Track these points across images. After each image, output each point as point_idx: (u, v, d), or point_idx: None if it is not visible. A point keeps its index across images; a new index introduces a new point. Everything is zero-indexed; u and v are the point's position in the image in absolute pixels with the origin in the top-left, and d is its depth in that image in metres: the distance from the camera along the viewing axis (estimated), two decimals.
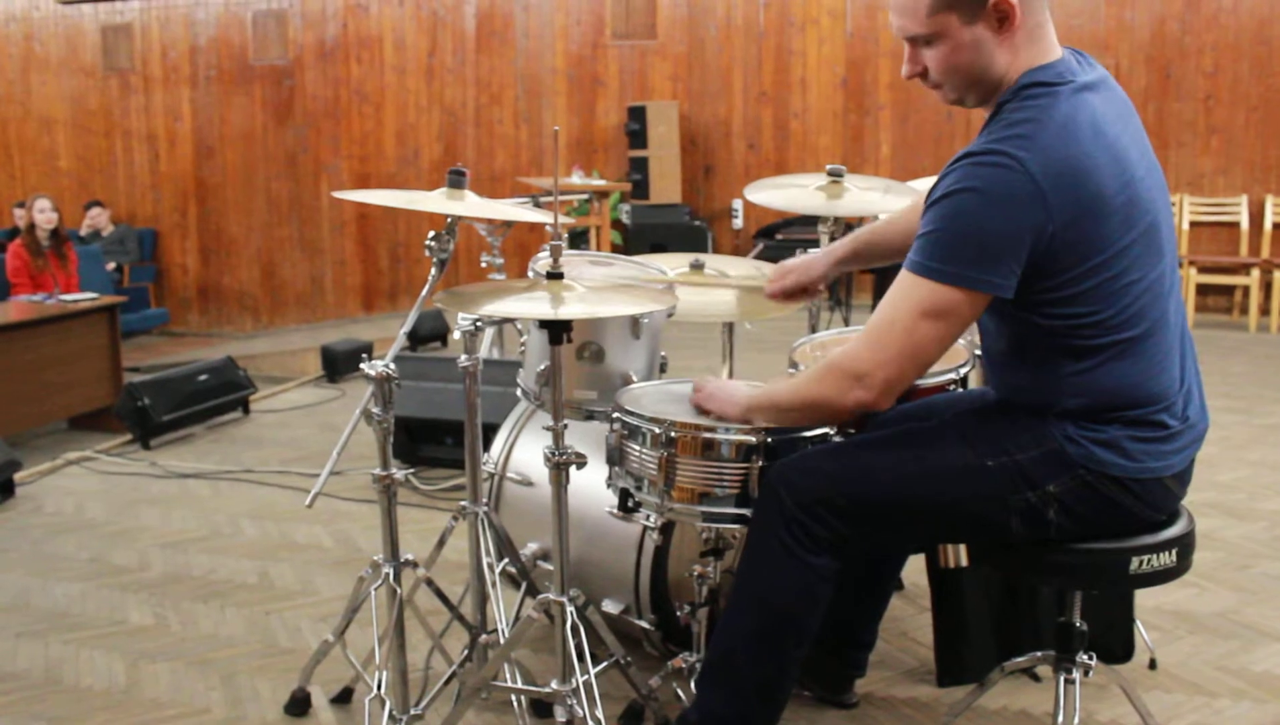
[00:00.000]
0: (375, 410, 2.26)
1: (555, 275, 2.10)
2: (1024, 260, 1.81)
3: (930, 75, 1.95)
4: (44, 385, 5.40)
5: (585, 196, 7.88)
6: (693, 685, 2.37)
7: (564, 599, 2.21)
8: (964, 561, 2.62)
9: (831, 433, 2.26)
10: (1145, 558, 1.95)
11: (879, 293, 1.99)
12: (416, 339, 7.14)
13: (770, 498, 2.03)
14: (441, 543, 2.65)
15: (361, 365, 2.29)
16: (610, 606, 2.65)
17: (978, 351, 2.58)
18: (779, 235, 8.61)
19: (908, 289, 1.86)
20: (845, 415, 2.02)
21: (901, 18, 1.90)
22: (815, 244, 2.84)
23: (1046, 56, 1.90)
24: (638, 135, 9.13)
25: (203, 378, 5.49)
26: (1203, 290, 7.98)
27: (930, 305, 1.83)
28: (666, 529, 2.59)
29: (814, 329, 3.29)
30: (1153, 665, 2.80)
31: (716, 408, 2.21)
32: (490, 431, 2.94)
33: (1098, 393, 1.89)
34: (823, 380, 1.95)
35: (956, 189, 1.82)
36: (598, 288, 2.19)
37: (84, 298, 5.97)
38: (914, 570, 3.09)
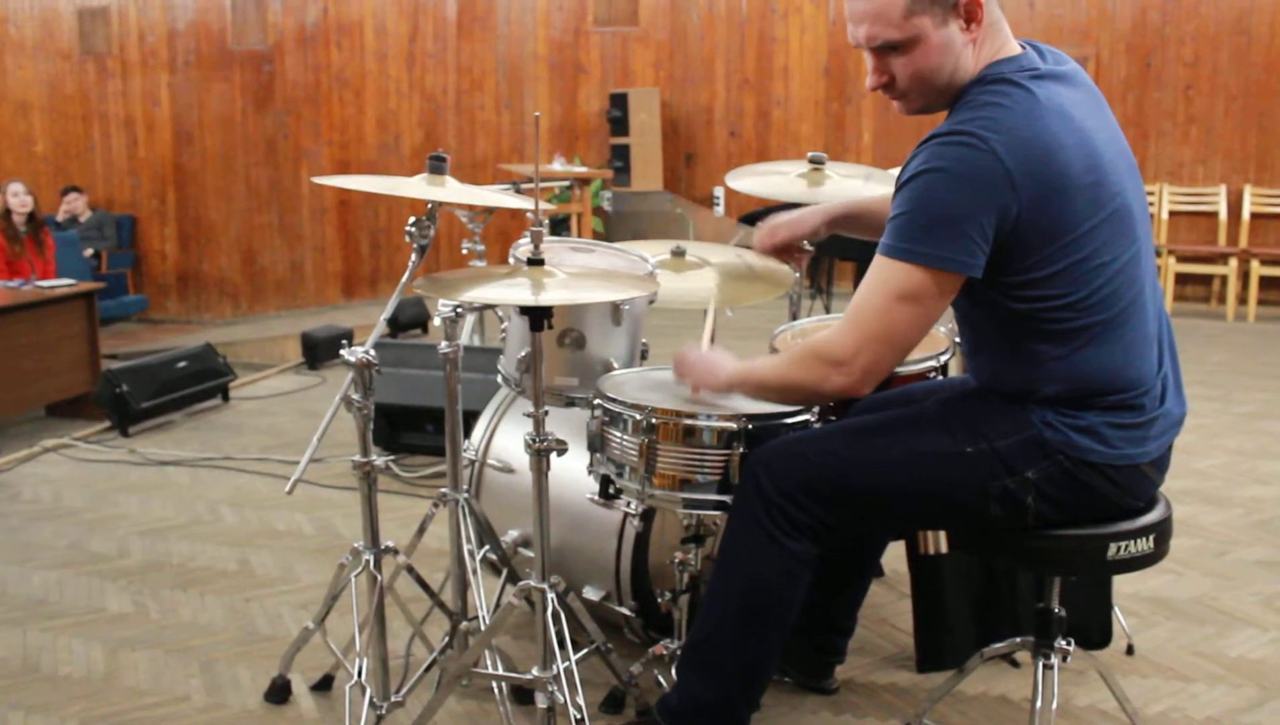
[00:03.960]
0: (355, 397, 2.25)
1: (536, 261, 2.10)
2: (992, 239, 1.82)
3: (898, 84, 1.94)
4: (21, 372, 5.35)
5: (567, 183, 7.87)
6: (674, 671, 2.38)
7: (545, 586, 2.21)
8: (944, 548, 2.63)
9: (812, 419, 2.26)
10: (1123, 544, 1.96)
11: (859, 281, 1.99)
12: (397, 326, 7.12)
13: (751, 483, 2.04)
14: (422, 530, 2.64)
15: (342, 352, 2.28)
16: (591, 593, 2.65)
17: (958, 339, 2.59)
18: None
19: (882, 273, 1.87)
20: (825, 399, 2.03)
21: (874, 25, 1.89)
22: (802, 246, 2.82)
23: (1005, 51, 1.93)
24: (619, 122, 9.11)
25: (182, 365, 5.46)
26: (1181, 279, 8.02)
27: (904, 288, 1.84)
28: (647, 516, 2.59)
29: (795, 316, 3.29)
30: (1130, 651, 2.83)
31: (698, 379, 2.21)
32: (471, 418, 2.93)
33: (1076, 379, 1.90)
34: (803, 364, 1.96)
35: (924, 170, 1.84)
36: (579, 274, 2.19)
37: (61, 284, 5.91)
38: (894, 557, 3.11)
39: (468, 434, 2.92)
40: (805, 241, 2.54)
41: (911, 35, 1.87)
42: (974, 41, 1.89)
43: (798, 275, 3.08)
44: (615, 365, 2.50)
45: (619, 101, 9.10)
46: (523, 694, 2.53)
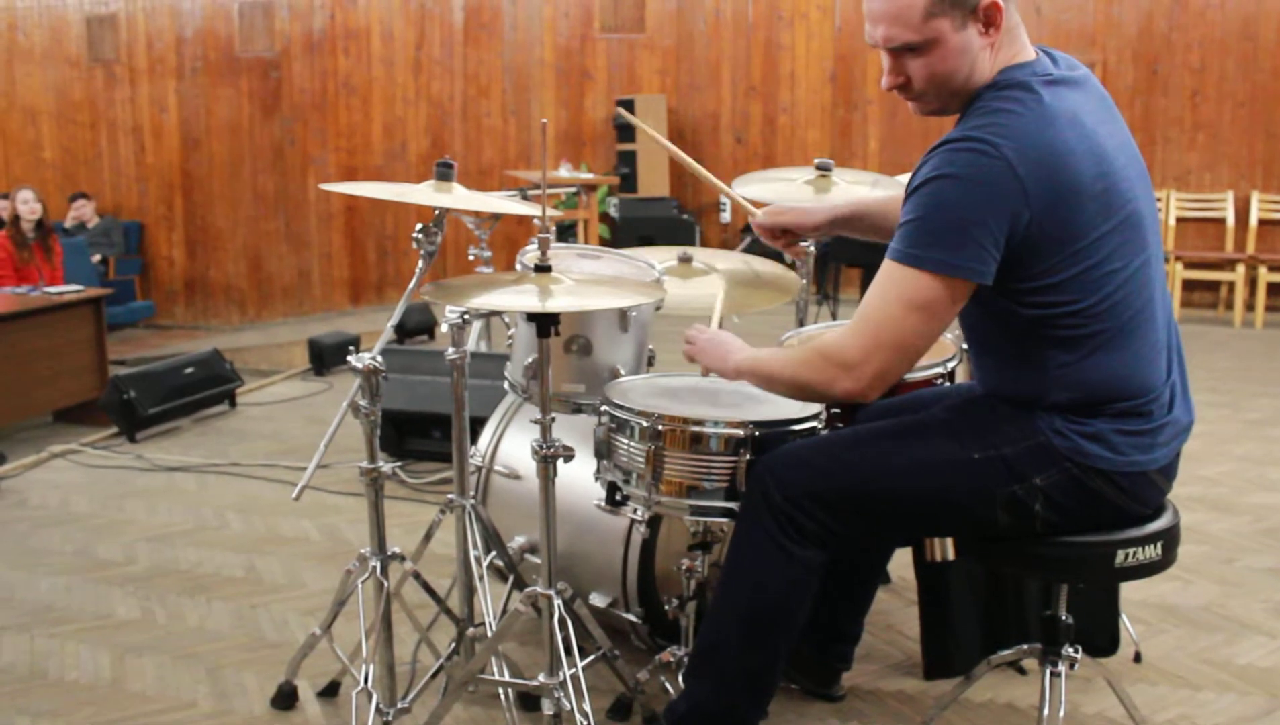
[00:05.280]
0: (362, 403, 2.26)
1: (543, 268, 2.10)
2: (1003, 246, 1.82)
3: (914, 85, 1.93)
4: (29, 378, 5.37)
5: (573, 190, 7.87)
6: (680, 678, 2.37)
7: (551, 592, 2.21)
8: (950, 555, 2.62)
9: (820, 426, 2.26)
10: (1131, 551, 1.95)
11: (865, 287, 2.00)
12: (404, 332, 7.12)
13: (757, 490, 2.04)
14: (429, 536, 2.64)
15: (348, 358, 2.28)
16: (598, 600, 2.65)
17: (965, 346, 2.59)
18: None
19: (891, 278, 1.87)
20: (833, 401, 2.03)
21: (892, 26, 1.87)
22: (801, 239, 2.84)
23: (1022, 56, 1.92)
24: (625, 129, 9.12)
25: (189, 371, 5.46)
26: (1188, 286, 8.01)
27: (914, 294, 1.84)
28: (654, 522, 2.59)
29: (802, 322, 3.29)
30: (1138, 658, 2.82)
31: (707, 361, 2.21)
32: (477, 424, 2.93)
33: (1084, 386, 1.90)
34: (813, 366, 1.95)
35: (935, 176, 1.83)
36: (586, 281, 2.19)
37: (69, 290, 5.94)
38: (901, 564, 3.10)
39: (474, 440, 2.92)
40: (808, 238, 2.54)
41: (930, 37, 1.86)
42: (991, 46, 1.89)
43: (804, 281, 3.08)
44: (622, 371, 2.50)
45: (625, 108, 9.10)
46: (529, 700, 2.53)
